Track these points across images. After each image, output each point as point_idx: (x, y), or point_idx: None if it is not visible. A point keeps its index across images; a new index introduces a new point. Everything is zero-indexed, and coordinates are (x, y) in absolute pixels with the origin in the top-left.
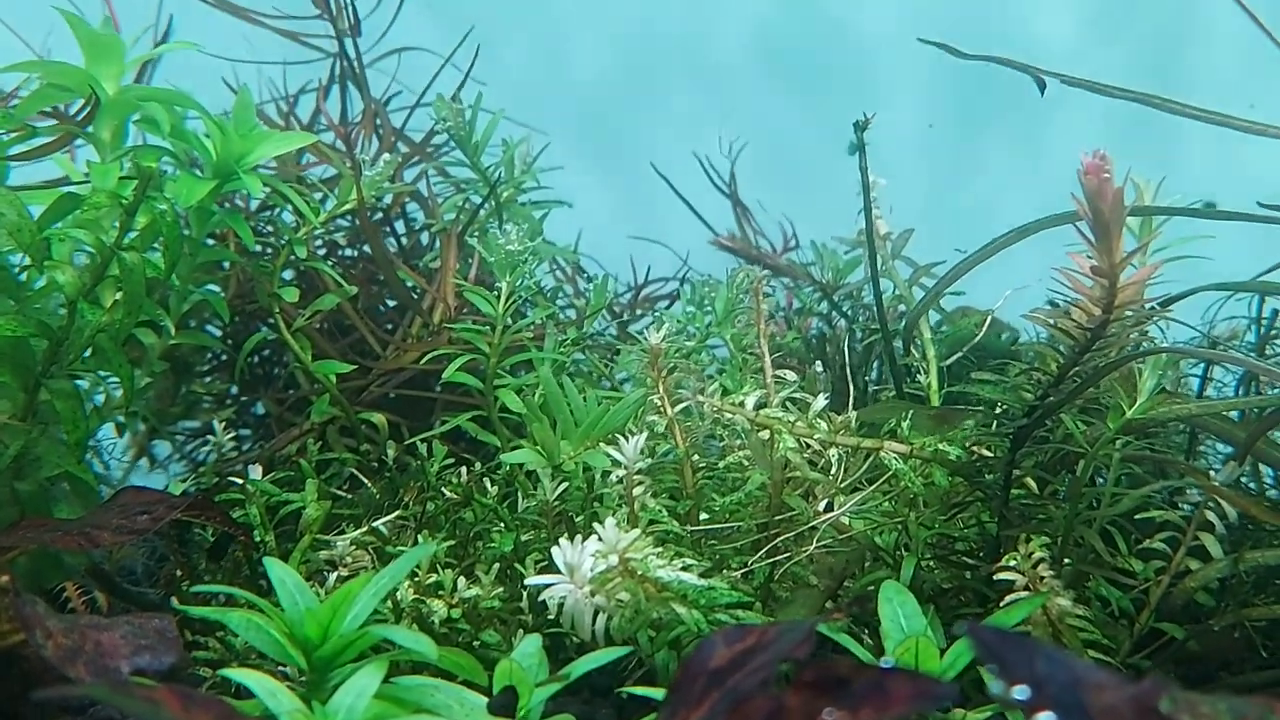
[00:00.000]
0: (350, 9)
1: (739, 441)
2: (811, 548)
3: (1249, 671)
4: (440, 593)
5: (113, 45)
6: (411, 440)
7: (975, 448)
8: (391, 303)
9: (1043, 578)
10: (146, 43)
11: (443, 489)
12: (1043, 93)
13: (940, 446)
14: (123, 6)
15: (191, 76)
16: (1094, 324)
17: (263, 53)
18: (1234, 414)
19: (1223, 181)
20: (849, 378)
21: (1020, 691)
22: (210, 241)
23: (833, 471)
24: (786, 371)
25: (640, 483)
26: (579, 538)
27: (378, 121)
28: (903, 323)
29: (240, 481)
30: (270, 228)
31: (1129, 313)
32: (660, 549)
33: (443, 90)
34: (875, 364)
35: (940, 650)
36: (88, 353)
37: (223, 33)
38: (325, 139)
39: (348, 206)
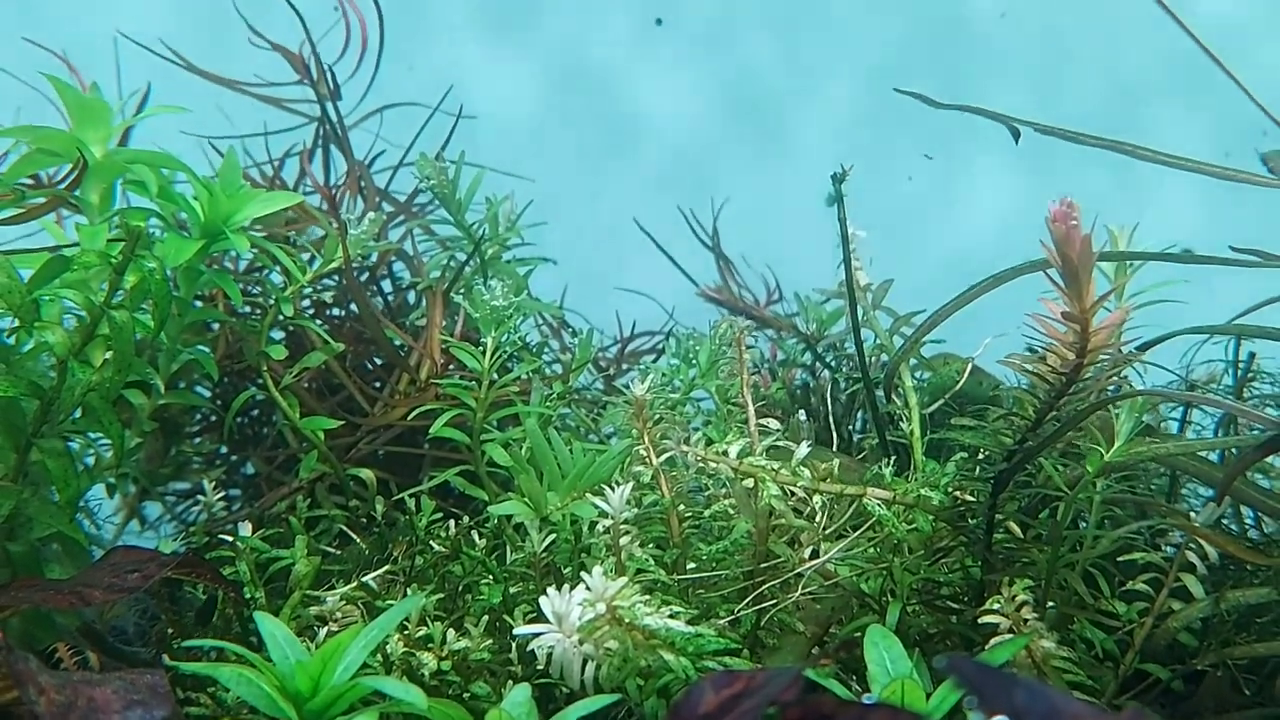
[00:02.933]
0: (331, 75)
1: (724, 490)
2: (797, 594)
3: (1233, 710)
4: (430, 645)
5: (99, 109)
6: (400, 495)
7: (957, 493)
8: (379, 360)
9: (1026, 620)
10: (132, 110)
11: (431, 543)
12: (1017, 141)
13: (923, 492)
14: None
15: (176, 146)
16: (1068, 368)
17: (246, 118)
18: (1214, 456)
19: (1199, 227)
20: (833, 427)
21: None
22: (198, 303)
23: (817, 518)
24: (770, 420)
25: (627, 532)
26: (567, 587)
27: (361, 183)
28: (884, 372)
29: (231, 539)
30: (258, 288)
31: (1103, 357)
32: (648, 597)
33: (430, 148)
34: (859, 413)
35: (926, 694)
36: (78, 413)
37: (207, 101)
38: (312, 201)
39: (334, 265)
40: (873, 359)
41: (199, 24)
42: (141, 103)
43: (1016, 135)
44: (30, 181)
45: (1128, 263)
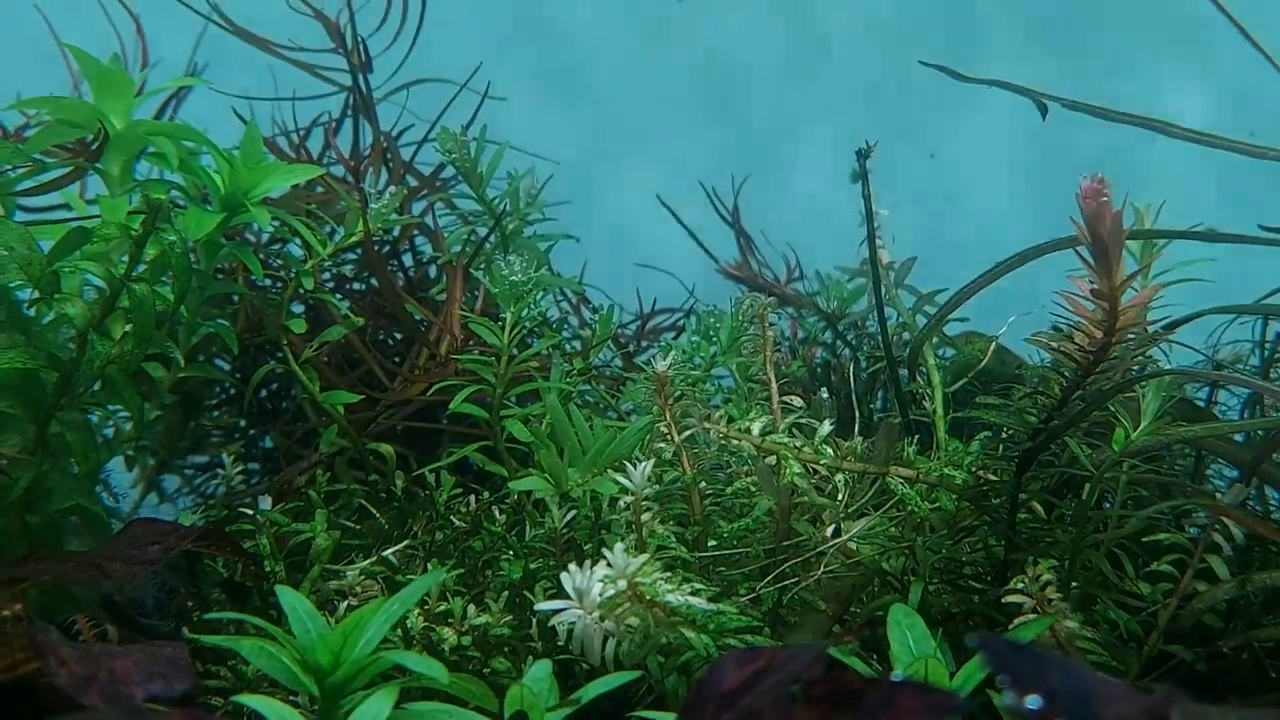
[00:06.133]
0: (363, 45)
1: (746, 468)
2: (819, 573)
3: (1258, 693)
4: (450, 620)
5: (121, 80)
6: (419, 471)
7: (981, 472)
8: (398, 335)
9: (1050, 600)
10: (164, 75)
11: (451, 518)
12: (1044, 116)
13: (946, 471)
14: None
15: (210, 109)
16: (1096, 347)
17: (278, 85)
18: (1239, 436)
19: (1224, 204)
20: (854, 405)
21: (1032, 701)
22: (219, 276)
23: (839, 497)
24: (792, 398)
25: (648, 509)
26: (588, 563)
27: (387, 156)
28: (907, 350)
29: (250, 513)
30: (279, 261)
31: (1131, 335)
32: (669, 574)
33: (460, 124)
34: (880, 392)
35: (950, 674)
36: (97, 386)
37: (242, 65)
38: (338, 173)
39: (354, 239)
40: (895, 337)
41: None
42: (193, 72)
43: (1044, 110)
44: (73, 147)
45: (1154, 241)
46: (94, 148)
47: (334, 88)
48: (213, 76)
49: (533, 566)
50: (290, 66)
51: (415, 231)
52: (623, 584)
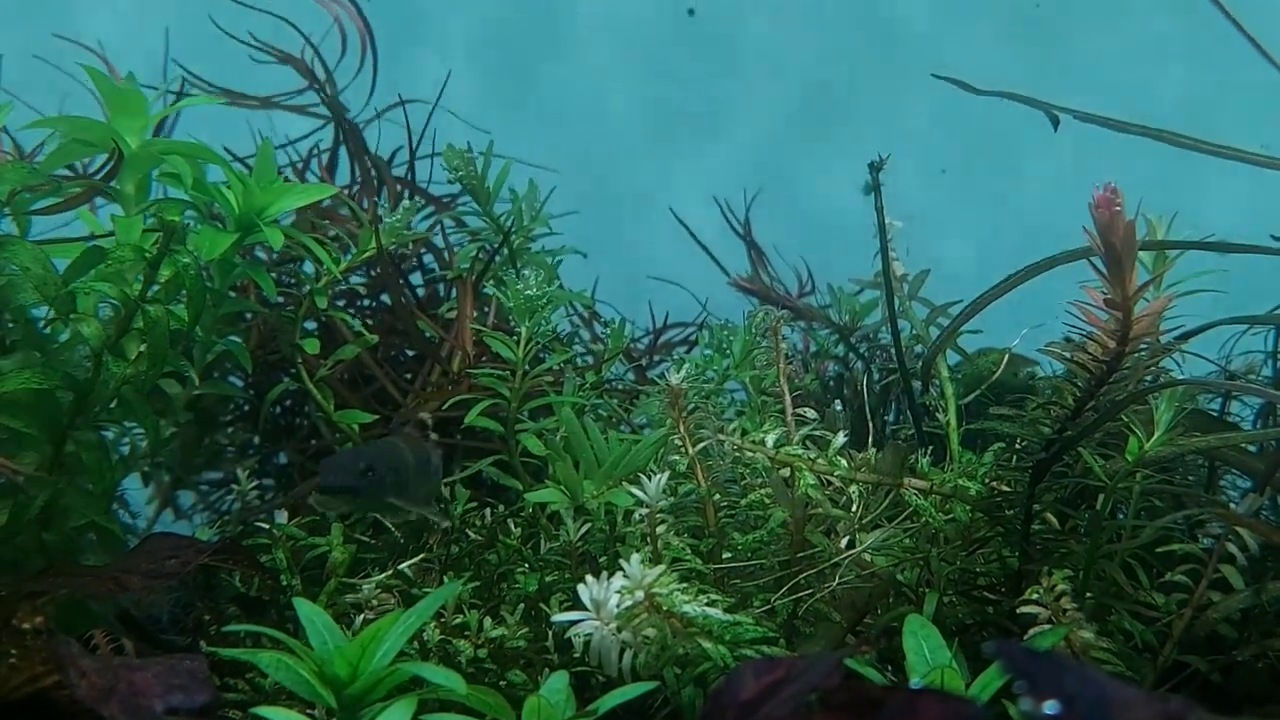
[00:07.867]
0: (331, 80)
1: (760, 480)
2: (834, 584)
3: (1273, 703)
4: (466, 633)
5: (135, 100)
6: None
7: (995, 483)
8: (410, 351)
9: (1065, 610)
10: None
11: (467, 531)
12: (1056, 128)
13: (960, 482)
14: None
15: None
16: (1109, 357)
17: (248, 128)
18: (1252, 447)
19: (1238, 216)
20: (867, 417)
21: (1050, 707)
22: (232, 294)
23: (854, 508)
24: (806, 410)
25: (663, 521)
26: (604, 574)
27: (378, 182)
28: (920, 363)
29: (266, 527)
30: (292, 279)
31: (1144, 345)
32: (685, 585)
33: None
34: (893, 404)
35: (965, 684)
36: (113, 404)
37: (214, 114)
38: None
39: (367, 255)
40: (908, 350)
41: (186, 41)
42: (177, 96)
43: (1055, 122)
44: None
45: (1167, 252)
46: (100, 172)
47: (315, 122)
48: (197, 108)
49: (548, 579)
50: (245, 112)
51: (423, 249)
52: (640, 595)
